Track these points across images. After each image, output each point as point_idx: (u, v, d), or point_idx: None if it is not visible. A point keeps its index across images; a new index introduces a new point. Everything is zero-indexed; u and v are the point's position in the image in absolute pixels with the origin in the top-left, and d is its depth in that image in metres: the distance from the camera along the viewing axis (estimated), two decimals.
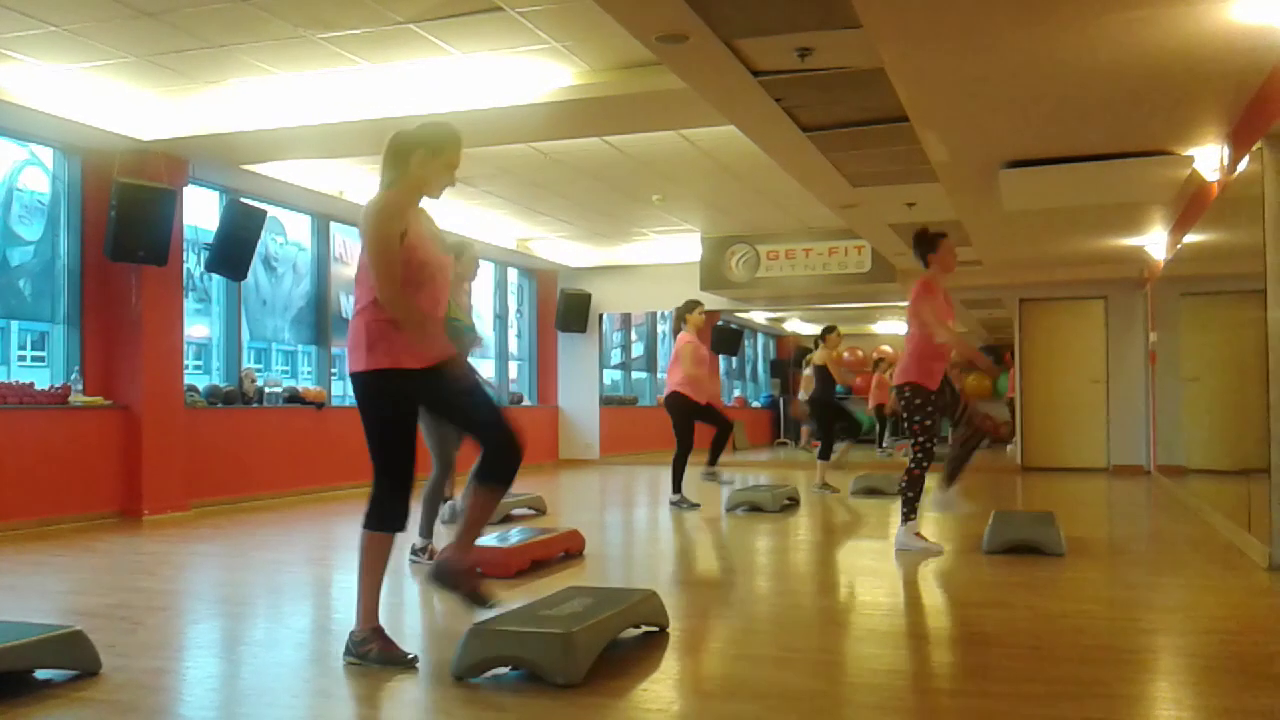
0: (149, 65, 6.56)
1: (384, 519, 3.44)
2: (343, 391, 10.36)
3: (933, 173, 6.98)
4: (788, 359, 22.03)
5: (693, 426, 8.30)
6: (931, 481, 6.03)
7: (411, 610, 4.62)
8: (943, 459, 6.12)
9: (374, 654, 3.37)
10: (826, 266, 12.38)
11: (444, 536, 6.19)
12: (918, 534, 5.88)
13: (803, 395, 9.82)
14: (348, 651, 3.44)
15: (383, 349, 3.38)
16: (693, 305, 8.47)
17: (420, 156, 3.50)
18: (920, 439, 5.81)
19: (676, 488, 8.30)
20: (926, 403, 5.79)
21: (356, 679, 3.28)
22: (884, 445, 15.45)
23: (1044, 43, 4.59)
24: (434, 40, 6.09)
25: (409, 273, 3.40)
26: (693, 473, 8.47)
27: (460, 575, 3.45)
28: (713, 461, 8.37)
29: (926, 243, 5.97)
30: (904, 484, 5.88)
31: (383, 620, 3.45)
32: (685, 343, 8.28)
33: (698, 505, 8.25)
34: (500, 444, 3.41)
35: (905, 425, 5.95)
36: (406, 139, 3.52)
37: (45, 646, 3.19)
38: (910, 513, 5.88)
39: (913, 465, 5.83)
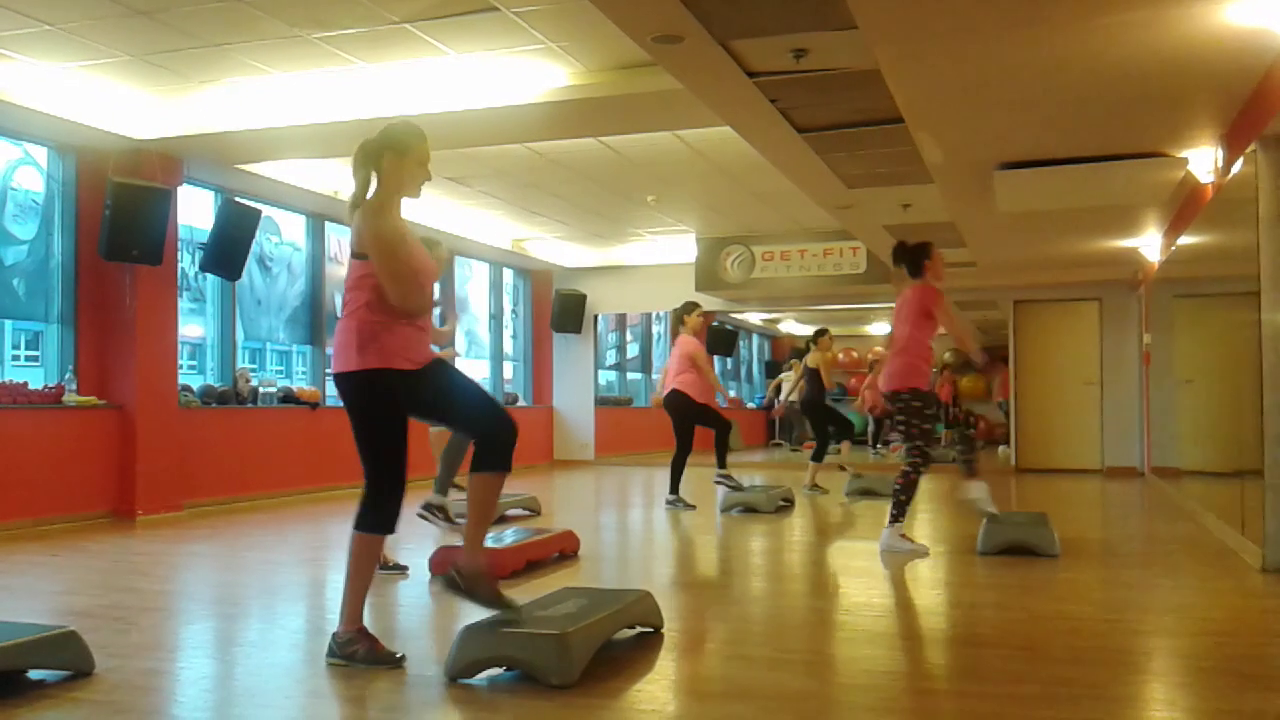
0: (144, 64, 6.55)
1: (376, 521, 3.42)
2: (336, 391, 10.31)
3: (928, 174, 6.98)
4: (783, 360, 22.04)
5: (693, 428, 8.29)
6: (925, 484, 6.04)
7: (406, 611, 4.59)
8: (940, 460, 6.14)
9: (361, 654, 3.36)
10: (821, 268, 12.38)
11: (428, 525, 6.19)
12: (903, 535, 5.89)
13: (793, 398, 9.82)
14: (331, 653, 3.41)
15: (374, 350, 3.38)
16: (691, 307, 8.46)
17: (389, 159, 3.51)
18: (919, 443, 5.82)
19: (674, 488, 8.28)
20: (926, 405, 5.82)
21: (349, 679, 3.28)
22: (877, 447, 15.46)
23: (1039, 45, 4.60)
24: (429, 40, 6.09)
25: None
26: (691, 474, 8.46)
27: (476, 579, 3.34)
28: (721, 464, 8.38)
29: (922, 252, 5.97)
30: (898, 486, 5.85)
31: (376, 618, 3.45)
32: (697, 347, 8.28)
33: (694, 507, 8.24)
34: (491, 428, 3.37)
35: (904, 429, 5.92)
36: (371, 146, 3.53)
37: (39, 647, 3.18)
38: (899, 515, 5.88)
39: (909, 469, 5.82)
